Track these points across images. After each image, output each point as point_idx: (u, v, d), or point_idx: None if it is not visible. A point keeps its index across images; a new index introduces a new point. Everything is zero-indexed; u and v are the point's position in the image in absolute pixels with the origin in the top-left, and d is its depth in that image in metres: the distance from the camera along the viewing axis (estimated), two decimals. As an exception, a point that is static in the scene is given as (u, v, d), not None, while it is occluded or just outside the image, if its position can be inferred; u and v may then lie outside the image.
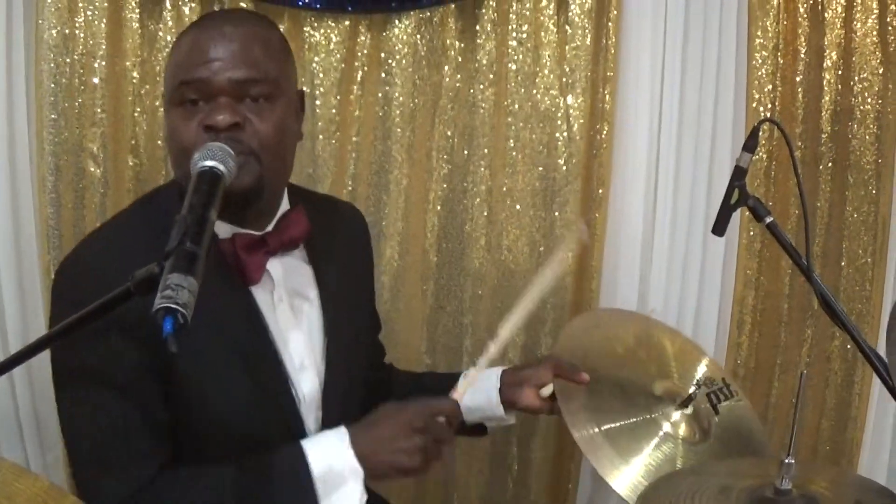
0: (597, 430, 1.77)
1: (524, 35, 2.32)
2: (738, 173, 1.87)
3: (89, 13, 2.06)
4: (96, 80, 2.08)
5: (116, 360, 1.48)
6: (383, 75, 2.28)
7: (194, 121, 1.50)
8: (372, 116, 2.29)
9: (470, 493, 2.55)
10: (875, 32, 2.51)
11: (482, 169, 2.38)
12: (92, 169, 2.11)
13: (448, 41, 2.29)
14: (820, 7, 2.49)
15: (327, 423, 1.68)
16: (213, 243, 1.51)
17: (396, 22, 2.26)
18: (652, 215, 2.46)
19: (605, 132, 2.39)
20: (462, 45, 2.31)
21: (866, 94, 2.53)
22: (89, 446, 1.52)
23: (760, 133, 2.08)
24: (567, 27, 2.34)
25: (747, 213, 1.88)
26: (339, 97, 2.27)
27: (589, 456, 1.74)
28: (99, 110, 2.09)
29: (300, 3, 2.16)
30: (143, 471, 1.51)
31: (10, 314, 2.07)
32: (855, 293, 2.65)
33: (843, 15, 2.50)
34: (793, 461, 1.46)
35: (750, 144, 1.87)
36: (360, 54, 2.26)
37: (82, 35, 2.06)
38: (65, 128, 2.08)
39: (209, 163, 1.31)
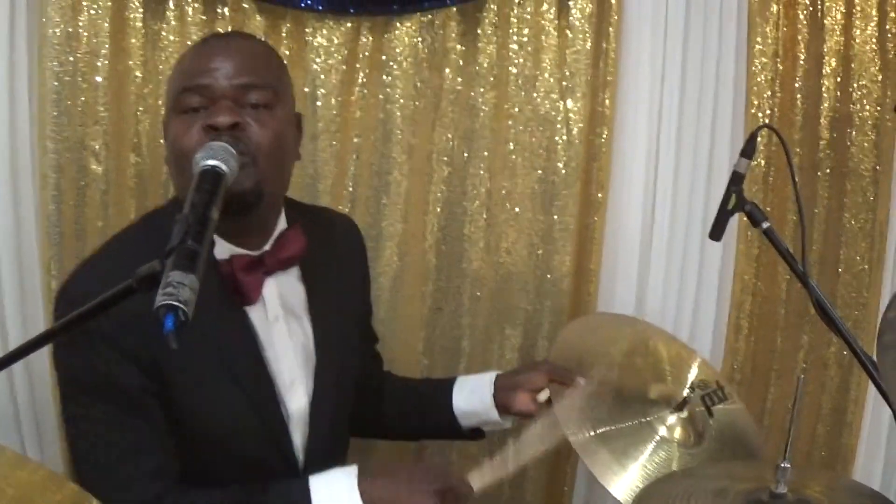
0: (592, 433, 1.78)
1: (525, 39, 2.33)
2: (736, 179, 1.89)
3: (92, 12, 2.06)
4: (99, 79, 2.09)
5: (119, 380, 1.51)
6: (384, 77, 2.29)
7: (196, 126, 1.53)
8: (373, 118, 2.30)
9: (465, 494, 2.55)
10: (874, 40, 2.51)
11: (482, 171, 2.38)
12: (94, 167, 2.12)
13: (449, 44, 2.30)
14: (819, 14, 2.50)
15: (314, 438, 1.71)
16: (212, 264, 1.54)
17: (398, 24, 2.27)
18: (650, 219, 2.46)
19: (604, 136, 2.39)
20: (463, 48, 2.32)
21: (865, 101, 2.54)
22: (96, 464, 1.54)
23: (759, 139, 2.09)
24: (568, 31, 2.35)
25: (745, 218, 1.90)
26: (340, 98, 2.27)
27: (585, 459, 1.76)
28: (101, 108, 2.10)
29: (302, 5, 2.16)
30: (150, 487, 1.53)
31: (10, 311, 2.08)
32: (852, 300, 2.66)
33: (843, 22, 2.50)
34: (788, 465, 1.47)
35: (747, 150, 1.88)
36: (361, 56, 2.27)
37: (85, 34, 2.07)
38: (67, 125, 2.08)
39: (211, 162, 1.32)
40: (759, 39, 2.47)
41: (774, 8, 2.47)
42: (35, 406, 2.13)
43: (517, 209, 2.42)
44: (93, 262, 1.62)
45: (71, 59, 2.07)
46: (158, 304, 1.03)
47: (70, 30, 2.06)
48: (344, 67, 2.26)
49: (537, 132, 2.39)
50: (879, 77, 2.53)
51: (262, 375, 1.64)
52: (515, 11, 2.31)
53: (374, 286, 2.20)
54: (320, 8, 2.18)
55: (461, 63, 2.33)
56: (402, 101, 2.30)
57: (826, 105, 2.54)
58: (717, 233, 1.94)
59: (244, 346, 1.63)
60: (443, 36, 2.30)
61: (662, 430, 1.85)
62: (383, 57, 2.28)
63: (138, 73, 2.13)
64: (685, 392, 1.90)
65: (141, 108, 2.15)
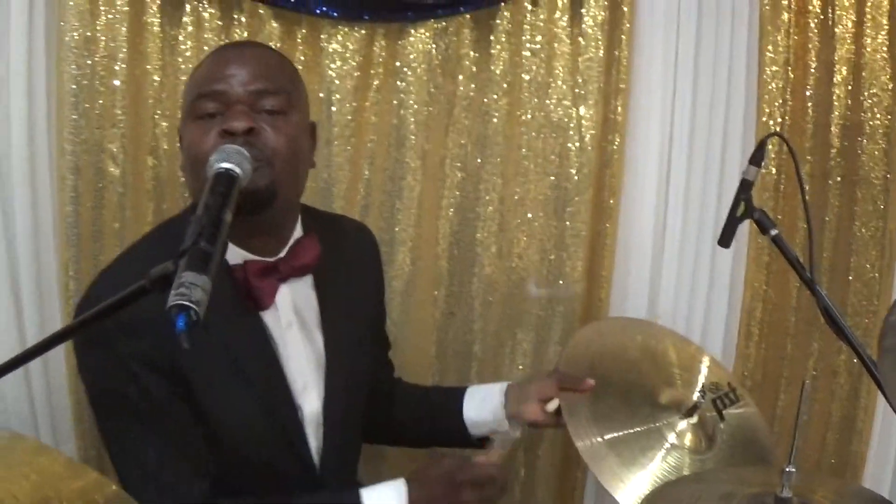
0: (600, 439, 1.78)
1: (538, 46, 2.34)
2: (745, 186, 1.90)
3: (110, 16, 2.08)
4: (117, 83, 2.10)
5: (146, 391, 1.53)
6: (398, 83, 2.30)
7: (212, 131, 1.55)
8: (386, 123, 2.31)
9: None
10: (885, 48, 2.52)
11: (495, 177, 2.40)
12: (111, 169, 2.13)
13: (463, 51, 2.31)
14: (830, 23, 2.51)
15: (329, 440, 1.74)
16: (226, 269, 1.56)
17: (412, 31, 2.28)
18: (662, 226, 2.47)
19: (616, 143, 2.41)
20: (476, 54, 2.33)
21: (876, 110, 2.54)
22: (139, 473, 1.56)
23: (770, 147, 2.10)
24: (580, 39, 2.36)
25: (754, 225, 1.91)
26: (354, 104, 2.28)
27: (591, 466, 1.76)
28: (119, 112, 2.12)
29: (318, 12, 2.18)
30: (193, 489, 1.56)
31: (28, 311, 2.09)
32: (862, 308, 2.65)
33: (854, 31, 2.51)
34: (793, 469, 1.47)
35: (757, 158, 1.89)
36: (375, 62, 2.28)
37: (103, 38, 2.08)
38: (85, 128, 2.10)
39: (225, 165, 1.34)
40: (770, 47, 2.48)
41: (786, 16, 2.48)
42: (51, 404, 2.14)
43: (529, 215, 2.43)
44: (110, 272, 1.64)
45: (89, 62, 2.08)
46: (170, 303, 1.04)
47: (88, 34, 2.07)
48: (358, 73, 2.27)
49: (550, 138, 2.40)
50: (890, 86, 2.53)
51: (278, 379, 1.66)
52: (528, 19, 2.33)
53: (387, 290, 2.21)
54: (335, 14, 2.20)
55: (474, 69, 2.34)
56: (415, 106, 2.31)
57: (837, 113, 2.55)
58: (726, 240, 1.95)
59: (259, 349, 1.65)
60: (456, 42, 2.31)
61: (672, 437, 1.85)
62: (397, 63, 2.29)
63: (156, 77, 2.15)
64: (696, 396, 1.90)
65: (158, 112, 2.17)
